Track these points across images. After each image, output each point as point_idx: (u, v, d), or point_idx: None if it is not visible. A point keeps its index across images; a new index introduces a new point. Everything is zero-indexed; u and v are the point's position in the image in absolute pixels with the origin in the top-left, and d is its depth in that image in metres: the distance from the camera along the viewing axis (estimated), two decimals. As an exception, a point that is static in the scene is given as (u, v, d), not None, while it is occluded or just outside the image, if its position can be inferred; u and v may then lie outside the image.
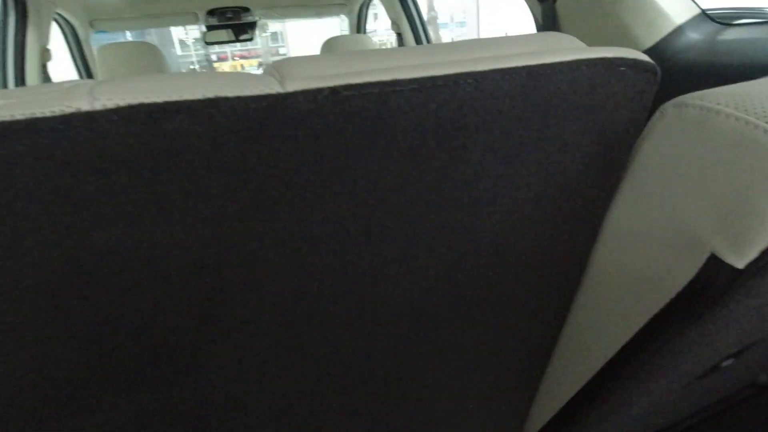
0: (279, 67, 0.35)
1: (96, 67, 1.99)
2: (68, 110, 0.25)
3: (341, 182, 0.34)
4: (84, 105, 0.25)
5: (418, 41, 2.53)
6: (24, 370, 0.36)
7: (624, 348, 0.51)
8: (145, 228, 0.30)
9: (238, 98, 0.29)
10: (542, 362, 0.65)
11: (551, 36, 0.43)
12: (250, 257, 0.35)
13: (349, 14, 3.01)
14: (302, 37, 11.24)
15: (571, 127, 0.40)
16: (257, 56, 13.34)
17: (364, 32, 3.10)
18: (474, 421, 0.68)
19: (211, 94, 0.28)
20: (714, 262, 0.36)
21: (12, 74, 1.86)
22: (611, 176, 0.46)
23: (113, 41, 2.23)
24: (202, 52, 11.38)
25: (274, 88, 0.31)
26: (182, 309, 0.36)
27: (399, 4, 2.46)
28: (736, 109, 0.34)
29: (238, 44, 3.12)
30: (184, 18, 2.69)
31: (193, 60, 11.28)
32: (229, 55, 12.32)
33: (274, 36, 12.06)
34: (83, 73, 2.60)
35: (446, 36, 11.76)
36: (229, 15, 2.69)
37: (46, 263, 0.29)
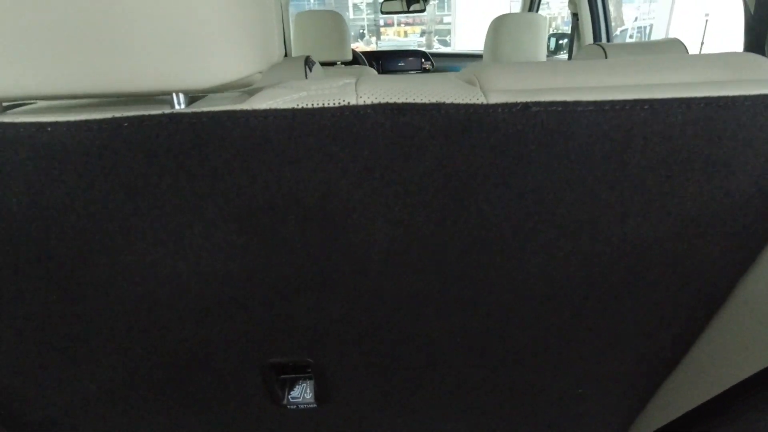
0: (480, 77, 0.43)
1: (291, 29, 2.29)
2: (343, 103, 0.38)
3: (521, 183, 0.42)
4: (352, 100, 0.38)
5: (596, 26, 2.37)
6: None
7: (760, 374, 0.52)
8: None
9: (454, 105, 0.38)
10: (665, 371, 0.67)
11: (743, 59, 0.44)
12: (442, 240, 0.45)
13: (525, -12, 2.93)
14: (469, 6, 11.06)
15: (742, 156, 0.41)
16: (422, 23, 13.55)
17: (537, 8, 2.99)
18: (584, 410, 0.73)
19: (434, 100, 0.38)
20: None
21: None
22: None
23: (300, 7, 2.54)
24: (371, 16, 11.96)
25: (480, 99, 0.39)
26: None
27: (582, -18, 2.32)
28: None
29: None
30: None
31: (363, 24, 11.98)
32: (395, 21, 12.75)
33: (441, 4, 12.07)
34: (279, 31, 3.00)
35: (630, 12, 10.47)
36: (408, -16, 2.83)
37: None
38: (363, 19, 12.22)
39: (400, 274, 0.48)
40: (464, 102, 0.38)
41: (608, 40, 2.42)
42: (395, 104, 0.37)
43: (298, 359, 0.58)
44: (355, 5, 11.82)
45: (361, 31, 11.85)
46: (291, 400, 0.65)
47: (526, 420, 0.72)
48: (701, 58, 0.45)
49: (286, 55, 2.92)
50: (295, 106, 0.37)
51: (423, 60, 3.32)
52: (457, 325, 0.56)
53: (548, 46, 3.00)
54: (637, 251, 0.48)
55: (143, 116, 0.35)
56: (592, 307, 0.55)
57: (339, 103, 0.37)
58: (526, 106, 0.38)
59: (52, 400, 0.60)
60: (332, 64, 2.23)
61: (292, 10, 2.95)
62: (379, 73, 3.25)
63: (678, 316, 0.57)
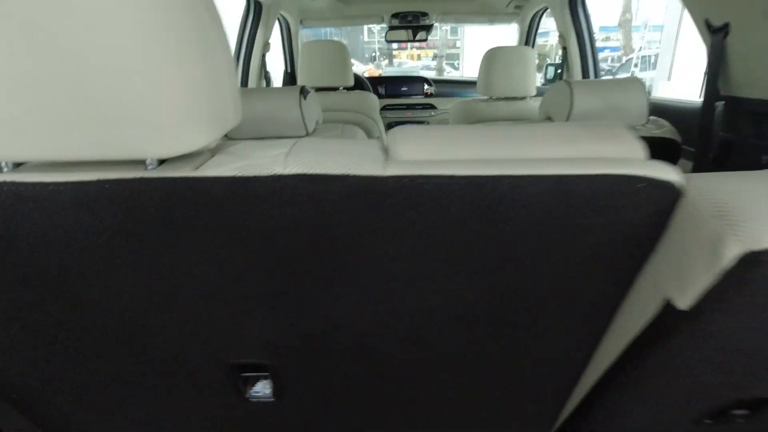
0: (390, 147, 0.53)
1: (299, 57, 2.48)
2: (273, 173, 0.47)
3: (415, 239, 0.50)
4: (280, 170, 0.47)
5: (584, 60, 2.52)
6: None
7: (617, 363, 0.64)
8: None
9: (356, 176, 0.47)
10: (572, 377, 0.78)
11: (611, 134, 0.53)
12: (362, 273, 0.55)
13: (520, 23, 3.10)
14: (478, 33, 11.32)
15: (592, 223, 0.50)
16: (434, 47, 13.87)
17: (533, 41, 3.16)
18: (513, 408, 0.85)
19: (343, 172, 0.47)
20: (667, 306, 0.49)
21: (243, 60, 2.46)
22: (627, 265, 0.56)
23: (314, 35, 2.73)
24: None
25: (378, 171, 0.48)
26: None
27: (570, 18, 2.47)
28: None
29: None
30: (372, 19, 3.10)
31: (376, 47, 12.32)
32: (409, 44, 13.10)
33: (453, 29, 12.38)
34: (288, 60, 3.22)
35: (637, 39, 10.66)
36: (410, 18, 3.03)
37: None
38: (375, 42, 12.57)
39: (331, 300, 0.59)
40: (364, 174, 0.48)
41: (595, 72, 2.57)
42: (312, 175, 0.47)
43: (256, 361, 0.69)
44: (369, 29, 12.18)
45: (374, 54, 12.17)
46: (253, 394, 0.76)
47: (456, 414, 0.84)
48: (577, 130, 0.55)
49: (294, 80, 3.11)
50: (236, 174, 0.47)
51: (425, 86, 3.48)
52: (394, 337, 0.67)
53: (546, 75, 3.15)
54: (522, 290, 0.58)
55: (120, 179, 0.46)
56: (499, 331, 0.64)
57: (270, 173, 0.47)
58: (413, 178, 0.47)
59: (57, 389, 0.74)
60: (335, 89, 2.38)
61: (311, 36, 3.16)
62: (383, 97, 3.42)
63: (571, 337, 0.67)
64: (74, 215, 0.48)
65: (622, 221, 0.49)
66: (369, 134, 2.43)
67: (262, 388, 0.75)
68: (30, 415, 0.80)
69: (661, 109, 1.94)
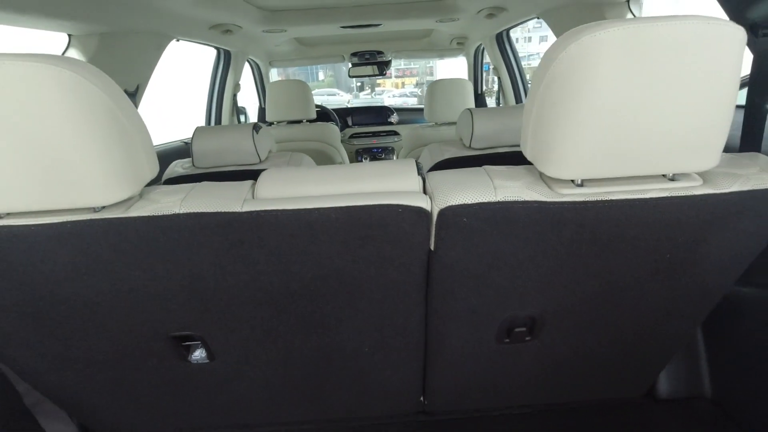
0: (256, 188, 0.80)
1: (267, 95, 2.82)
2: (172, 212, 0.77)
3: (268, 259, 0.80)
4: (177, 210, 0.81)
5: (514, 86, 2.89)
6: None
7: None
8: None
9: (216, 213, 0.72)
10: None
11: (401, 170, 0.84)
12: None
13: (466, 56, 3.49)
14: (450, 63, 11.88)
15: (374, 245, 0.76)
16: (414, 75, 14.50)
17: (481, 71, 3.54)
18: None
19: (198, 210, 0.74)
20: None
21: (216, 101, 2.83)
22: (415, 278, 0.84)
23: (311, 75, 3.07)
24: (368, 70, 12.84)
25: (236, 208, 0.72)
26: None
27: (499, 53, 2.85)
28: None
29: (401, 64, 3.79)
30: (335, 58, 3.49)
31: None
32: (393, 74, 13.66)
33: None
34: (261, 97, 3.59)
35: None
36: (368, 56, 3.41)
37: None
38: (359, 73, 13.15)
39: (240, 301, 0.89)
40: (222, 210, 0.74)
41: (526, 93, 2.93)
42: (196, 213, 0.74)
43: (192, 332, 0.96)
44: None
45: (360, 83, 12.69)
46: (193, 358, 1.02)
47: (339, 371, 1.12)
48: (373, 169, 0.84)
49: (264, 116, 3.47)
50: (149, 214, 0.73)
51: (389, 114, 3.84)
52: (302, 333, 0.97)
53: (498, 101, 3.52)
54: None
55: (76, 221, 0.72)
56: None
57: (170, 213, 0.74)
58: (271, 212, 0.73)
59: (72, 367, 1.02)
60: (299, 122, 2.73)
61: (297, 74, 3.53)
62: (348, 127, 3.78)
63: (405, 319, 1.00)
64: (51, 248, 0.76)
65: (397, 245, 0.79)
66: (331, 160, 2.77)
67: (200, 353, 1.03)
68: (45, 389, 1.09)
69: None
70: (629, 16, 1.50)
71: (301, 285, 0.84)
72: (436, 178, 0.81)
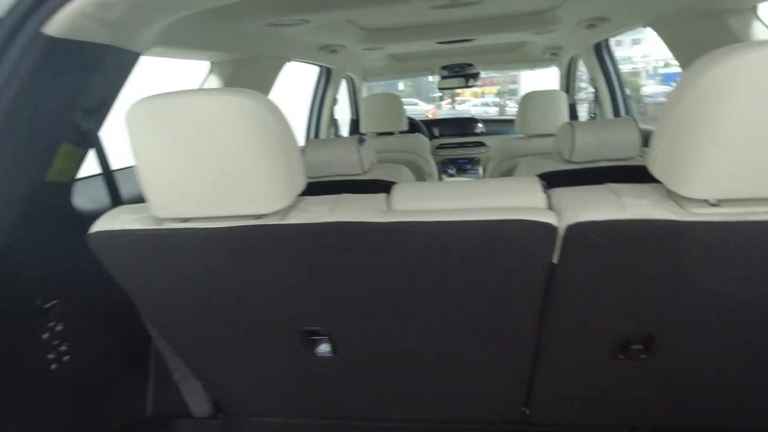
0: (391, 199, 0.88)
1: (361, 108, 2.99)
2: (321, 221, 0.89)
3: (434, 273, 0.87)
4: (326, 219, 0.88)
5: (613, 98, 2.80)
6: None
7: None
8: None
9: (361, 222, 0.82)
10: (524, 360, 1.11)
11: (523, 187, 0.88)
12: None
13: (559, 66, 3.42)
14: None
15: (507, 256, 0.82)
16: (495, 84, 14.28)
17: (574, 82, 3.45)
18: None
19: (345, 219, 0.85)
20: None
21: (316, 113, 3.05)
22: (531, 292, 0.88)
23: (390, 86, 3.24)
24: (448, 80, 12.91)
25: (378, 218, 0.81)
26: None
27: (597, 63, 2.77)
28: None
29: (482, 72, 3.82)
30: (425, 72, 3.60)
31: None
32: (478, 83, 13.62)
33: (515, 66, 12.76)
34: (353, 110, 3.78)
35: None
36: (457, 69, 3.47)
37: None
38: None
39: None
40: (372, 221, 0.82)
41: (625, 107, 2.81)
42: (342, 222, 0.85)
43: (319, 328, 1.06)
44: (433, 71, 12.84)
45: (440, 93, 12.79)
46: (318, 351, 1.12)
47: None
48: (499, 185, 0.90)
49: (358, 126, 3.65)
50: (301, 222, 0.85)
51: (475, 125, 3.86)
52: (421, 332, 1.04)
53: (590, 111, 3.41)
54: (460, 315, 0.96)
55: (243, 226, 0.84)
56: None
57: (319, 221, 0.86)
58: (406, 223, 0.81)
59: (219, 352, 1.19)
60: (391, 133, 2.86)
61: (377, 86, 3.71)
62: (435, 138, 3.86)
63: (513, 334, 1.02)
64: (217, 246, 0.90)
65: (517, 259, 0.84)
66: (421, 171, 2.86)
67: (324, 348, 1.15)
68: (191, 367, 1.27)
69: None
70: (756, 23, 1.42)
71: (427, 291, 0.91)
72: (562, 194, 0.84)
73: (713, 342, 0.93)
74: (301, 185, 0.90)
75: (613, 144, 1.60)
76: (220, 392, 1.33)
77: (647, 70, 16.21)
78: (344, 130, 3.96)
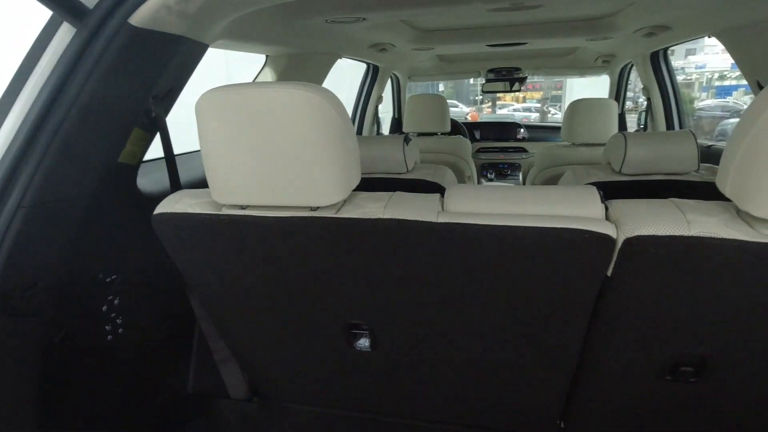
0: (445, 201, 0.87)
1: (405, 106, 3.00)
2: (376, 217, 0.87)
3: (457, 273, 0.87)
4: (380, 215, 0.89)
5: (667, 110, 2.70)
6: None
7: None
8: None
9: (415, 221, 0.83)
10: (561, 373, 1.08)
11: (582, 196, 0.85)
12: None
13: (610, 74, 3.33)
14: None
15: (562, 263, 0.80)
16: (538, 89, 13.99)
17: (624, 91, 3.35)
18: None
19: (399, 217, 0.85)
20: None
21: (360, 109, 3.09)
22: (583, 303, 0.87)
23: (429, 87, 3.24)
24: (490, 83, 12.76)
25: (432, 218, 0.82)
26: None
27: (652, 72, 2.68)
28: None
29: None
30: (471, 74, 3.57)
31: (479, 89, 12.86)
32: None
33: (560, 72, 12.47)
34: (396, 108, 3.80)
35: None
36: (504, 72, 3.42)
37: None
38: (479, 85, 13.08)
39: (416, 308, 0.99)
40: (418, 219, 0.83)
41: (680, 120, 2.70)
42: (399, 220, 0.85)
43: (361, 322, 1.08)
44: (475, 73, 12.72)
45: (480, 96, 12.63)
46: (357, 345, 1.14)
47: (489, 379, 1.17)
48: (556, 193, 0.88)
49: (401, 125, 3.66)
50: (357, 216, 0.86)
51: (518, 130, 3.81)
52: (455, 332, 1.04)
53: (639, 121, 3.30)
54: (506, 322, 0.95)
55: (299, 217, 0.87)
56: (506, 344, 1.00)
57: (375, 217, 0.86)
58: (460, 224, 0.81)
59: (261, 337, 1.22)
60: (434, 134, 2.85)
61: (418, 86, 3.71)
62: (476, 141, 3.83)
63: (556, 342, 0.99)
64: (274, 234, 0.92)
65: (572, 267, 0.83)
66: (461, 173, 2.84)
67: (364, 342, 1.17)
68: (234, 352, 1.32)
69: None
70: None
71: (474, 293, 0.91)
72: (621, 206, 0.83)
73: None
74: (356, 180, 0.92)
75: (669, 158, 1.55)
76: (258, 376, 1.37)
77: (701, 82, 15.52)
78: (385, 128, 3.99)
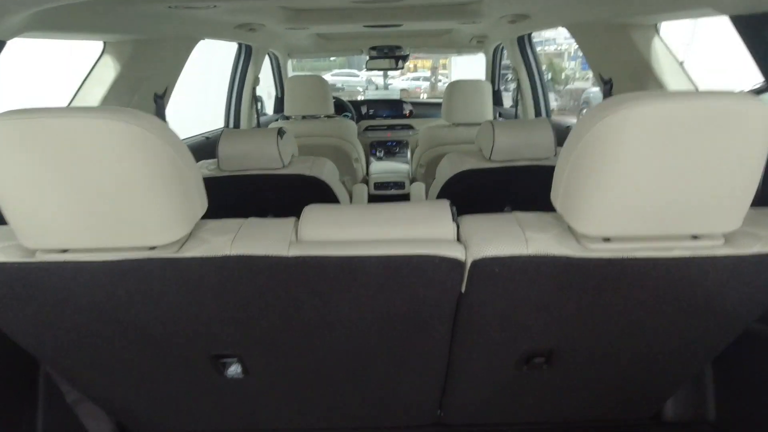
0: (301, 226, 0.84)
1: (285, 88, 2.84)
2: (223, 254, 0.83)
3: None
4: (227, 252, 0.80)
5: (534, 90, 2.90)
6: None
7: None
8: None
9: (265, 256, 0.77)
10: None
11: (434, 215, 0.87)
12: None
13: (485, 53, 3.48)
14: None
15: (409, 288, 0.81)
16: (428, 59, 14.33)
17: (499, 69, 3.53)
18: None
19: (248, 252, 0.79)
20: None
21: (236, 93, 2.86)
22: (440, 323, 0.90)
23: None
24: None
25: (283, 251, 0.77)
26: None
27: (519, 55, 2.84)
28: None
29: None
30: (353, 52, 3.49)
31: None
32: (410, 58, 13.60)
33: (447, 42, 12.90)
34: (278, 87, 3.61)
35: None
36: (386, 50, 3.40)
37: None
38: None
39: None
40: (276, 255, 0.78)
41: (544, 98, 2.92)
42: (245, 256, 0.79)
43: (231, 352, 1.01)
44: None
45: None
46: (228, 373, 1.07)
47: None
48: (411, 212, 0.87)
49: (281, 105, 3.48)
50: (200, 255, 0.78)
51: (404, 105, 3.85)
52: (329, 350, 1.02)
53: (513, 96, 3.50)
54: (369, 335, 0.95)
55: (133, 260, 0.77)
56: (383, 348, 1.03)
57: (221, 254, 0.80)
58: (314, 257, 0.78)
59: (118, 376, 1.08)
60: (317, 116, 2.76)
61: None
62: (365, 118, 3.80)
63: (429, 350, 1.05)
64: (105, 279, 0.81)
65: (428, 290, 0.84)
66: (348, 156, 2.80)
67: (235, 368, 1.09)
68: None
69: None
70: (656, 39, 1.51)
71: (338, 319, 0.89)
72: (470, 224, 0.85)
73: (603, 353, 1.02)
74: (201, 210, 0.83)
75: (532, 145, 1.66)
76: (123, 414, 1.25)
77: (569, 52, 17.02)
78: (270, 109, 3.78)
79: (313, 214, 0.88)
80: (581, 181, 0.73)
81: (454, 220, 0.85)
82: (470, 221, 0.86)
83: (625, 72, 1.63)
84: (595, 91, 10.91)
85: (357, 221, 0.86)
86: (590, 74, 13.13)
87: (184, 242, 0.82)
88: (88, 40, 1.44)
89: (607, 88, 1.76)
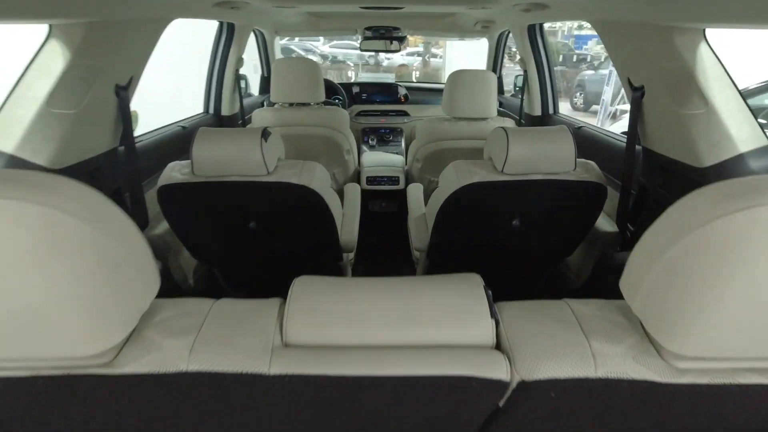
0: (288, 324, 0.61)
1: (272, 71, 2.55)
2: (177, 370, 0.55)
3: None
4: (184, 367, 0.56)
5: (542, 83, 2.68)
6: None
7: None
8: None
9: (237, 374, 0.56)
10: None
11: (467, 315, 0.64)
12: None
13: (489, 39, 3.22)
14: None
15: (432, 411, 0.60)
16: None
17: (502, 56, 3.28)
18: None
19: (212, 368, 0.55)
20: None
21: (216, 75, 2.57)
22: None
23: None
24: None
25: (262, 367, 0.56)
26: None
27: (529, 45, 2.61)
28: None
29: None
30: (347, 31, 3.19)
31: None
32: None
33: (442, 17, 12.45)
34: (264, 66, 3.30)
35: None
36: (382, 31, 3.12)
37: None
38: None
39: None
40: (253, 372, 0.58)
41: (553, 93, 2.71)
42: (210, 373, 0.57)
43: None
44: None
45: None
46: None
47: None
48: (437, 306, 0.65)
49: (267, 86, 3.18)
50: (145, 371, 0.56)
51: (398, 91, 3.59)
52: None
53: (515, 84, 3.27)
54: None
55: (48, 377, 0.56)
56: None
57: (175, 371, 0.56)
58: (302, 378, 0.57)
59: None
60: (307, 104, 2.49)
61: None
62: (357, 102, 3.53)
63: None
64: (12, 401, 0.58)
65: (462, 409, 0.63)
66: (339, 148, 2.56)
67: None
68: None
69: (593, 144, 2.10)
70: (703, 46, 1.31)
71: None
72: (513, 323, 0.65)
73: None
74: (149, 295, 0.60)
75: (550, 157, 1.47)
76: None
77: (563, 31, 16.63)
78: (255, 90, 3.49)
79: (306, 301, 0.66)
80: (682, 290, 0.53)
81: (493, 315, 0.65)
82: (512, 316, 0.66)
83: (662, 80, 1.43)
84: (590, 74, 10.64)
85: (362, 319, 0.64)
86: (585, 54, 12.83)
87: (121, 347, 0.59)
88: (28, 23, 1.17)
89: (637, 96, 1.55)
